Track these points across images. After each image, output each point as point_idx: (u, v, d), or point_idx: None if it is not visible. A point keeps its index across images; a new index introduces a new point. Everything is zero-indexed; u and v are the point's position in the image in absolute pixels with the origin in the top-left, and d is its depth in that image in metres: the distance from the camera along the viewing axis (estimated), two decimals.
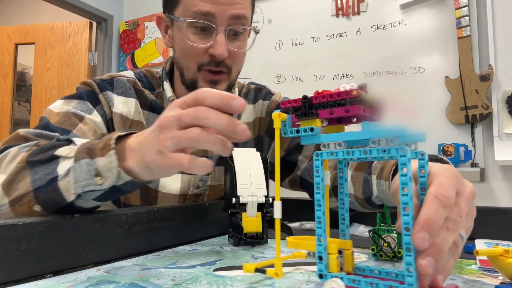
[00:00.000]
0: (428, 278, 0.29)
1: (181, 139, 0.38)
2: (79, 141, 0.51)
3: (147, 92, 0.79)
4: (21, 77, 3.68)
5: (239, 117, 0.85)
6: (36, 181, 0.47)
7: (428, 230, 0.28)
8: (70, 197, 0.45)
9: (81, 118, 0.69)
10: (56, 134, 0.63)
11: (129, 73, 0.81)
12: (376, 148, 0.31)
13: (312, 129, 0.34)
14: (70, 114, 0.68)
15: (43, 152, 0.50)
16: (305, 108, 0.34)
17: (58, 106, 0.70)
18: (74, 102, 0.71)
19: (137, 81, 0.79)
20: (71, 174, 0.45)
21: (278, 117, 0.35)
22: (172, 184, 0.76)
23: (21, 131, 0.62)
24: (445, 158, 0.51)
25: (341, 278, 0.31)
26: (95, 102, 0.73)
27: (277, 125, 0.35)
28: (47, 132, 0.63)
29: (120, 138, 0.46)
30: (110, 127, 0.73)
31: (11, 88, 3.15)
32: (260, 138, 0.87)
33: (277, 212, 0.34)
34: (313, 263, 0.47)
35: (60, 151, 0.48)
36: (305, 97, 0.35)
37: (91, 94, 0.73)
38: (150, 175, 0.43)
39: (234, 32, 0.71)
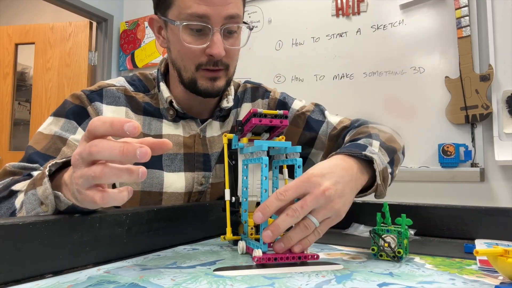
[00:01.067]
0: (280, 247, 0.46)
1: (87, 177, 0.38)
2: (36, 173, 0.55)
3: (140, 96, 0.79)
4: (21, 77, 3.68)
5: (237, 116, 0.86)
6: (1, 216, 0.52)
7: (262, 212, 0.45)
8: None
9: (64, 141, 0.70)
10: (37, 165, 0.66)
11: (119, 81, 0.80)
12: (256, 157, 0.49)
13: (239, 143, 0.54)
14: (56, 138, 0.70)
15: (5, 189, 0.55)
16: (237, 126, 0.54)
17: (47, 126, 0.72)
18: (62, 121, 0.72)
19: (127, 87, 0.79)
20: (24, 206, 0.48)
21: (225, 137, 0.56)
22: (176, 182, 0.77)
23: (8, 166, 0.66)
24: (369, 154, 0.58)
25: (246, 242, 0.52)
26: (83, 117, 0.73)
27: (224, 141, 0.56)
28: (30, 165, 0.66)
29: (63, 167, 0.48)
30: None
31: (11, 88, 3.15)
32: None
33: (227, 195, 0.55)
34: (322, 263, 0.47)
35: (16, 186, 0.54)
36: (236, 120, 0.53)
37: (78, 110, 0.73)
38: (86, 207, 0.43)
39: (228, 31, 0.73)
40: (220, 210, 0.61)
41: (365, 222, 0.73)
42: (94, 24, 3.08)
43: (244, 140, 0.52)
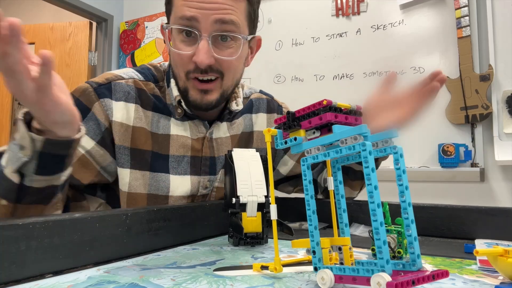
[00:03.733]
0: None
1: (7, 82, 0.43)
2: None
3: (150, 87, 0.76)
4: None
5: (252, 123, 0.87)
6: None
7: None
8: (14, 178, 0.51)
9: None
10: None
11: (127, 72, 0.76)
12: (345, 147, 0.35)
13: (295, 139, 0.39)
14: None
15: None
16: (289, 121, 0.40)
17: None
18: None
19: (136, 77, 0.76)
20: (8, 159, 0.51)
21: (268, 132, 0.42)
22: (182, 186, 0.76)
23: None
24: None
25: (331, 269, 0.36)
26: (82, 114, 0.67)
27: (267, 139, 0.43)
28: None
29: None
30: (106, 137, 0.71)
31: None
32: (274, 150, 0.89)
33: (273, 214, 0.41)
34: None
35: (0, 149, 0.56)
36: (288, 112, 0.40)
37: (77, 106, 0.68)
38: (50, 124, 0.48)
39: (222, 38, 0.69)
40: (220, 210, 0.61)
41: (365, 222, 0.73)
42: (94, 24, 3.08)
43: (301, 133, 0.40)
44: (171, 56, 0.74)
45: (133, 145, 0.73)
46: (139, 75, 0.77)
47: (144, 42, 3.03)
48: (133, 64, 3.04)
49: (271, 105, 0.91)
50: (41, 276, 0.40)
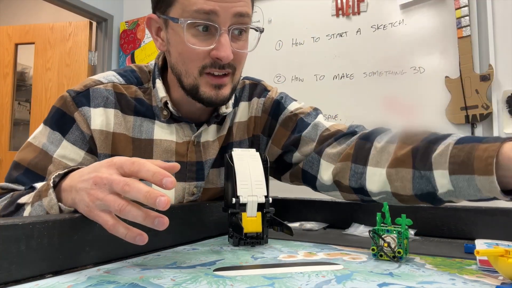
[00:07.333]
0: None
1: (109, 205, 0.42)
2: (39, 186, 0.56)
3: (131, 90, 0.73)
4: (21, 77, 3.68)
5: (234, 116, 0.82)
6: None
7: None
8: None
9: (50, 159, 0.67)
10: (23, 188, 0.65)
11: (108, 76, 0.74)
12: None
13: None
14: (43, 153, 0.68)
15: (11, 204, 0.57)
16: None
17: (37, 135, 0.70)
18: (48, 130, 0.69)
19: (117, 80, 0.73)
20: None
21: None
22: (166, 194, 0.73)
23: None
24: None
25: None
26: (68, 124, 0.69)
27: None
28: (18, 186, 0.66)
29: (64, 176, 0.51)
30: (92, 145, 0.69)
31: (11, 88, 3.15)
32: (257, 137, 0.84)
33: None
34: (322, 263, 0.47)
35: (21, 200, 0.56)
36: None
37: (62, 117, 0.69)
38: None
39: (238, 31, 0.67)
40: (220, 210, 0.61)
41: (365, 222, 0.73)
42: (94, 24, 3.08)
43: None
44: (178, 52, 0.67)
45: (114, 152, 0.70)
46: (120, 78, 0.74)
47: (144, 42, 3.03)
48: None
49: (253, 91, 0.84)
50: (41, 276, 0.40)
